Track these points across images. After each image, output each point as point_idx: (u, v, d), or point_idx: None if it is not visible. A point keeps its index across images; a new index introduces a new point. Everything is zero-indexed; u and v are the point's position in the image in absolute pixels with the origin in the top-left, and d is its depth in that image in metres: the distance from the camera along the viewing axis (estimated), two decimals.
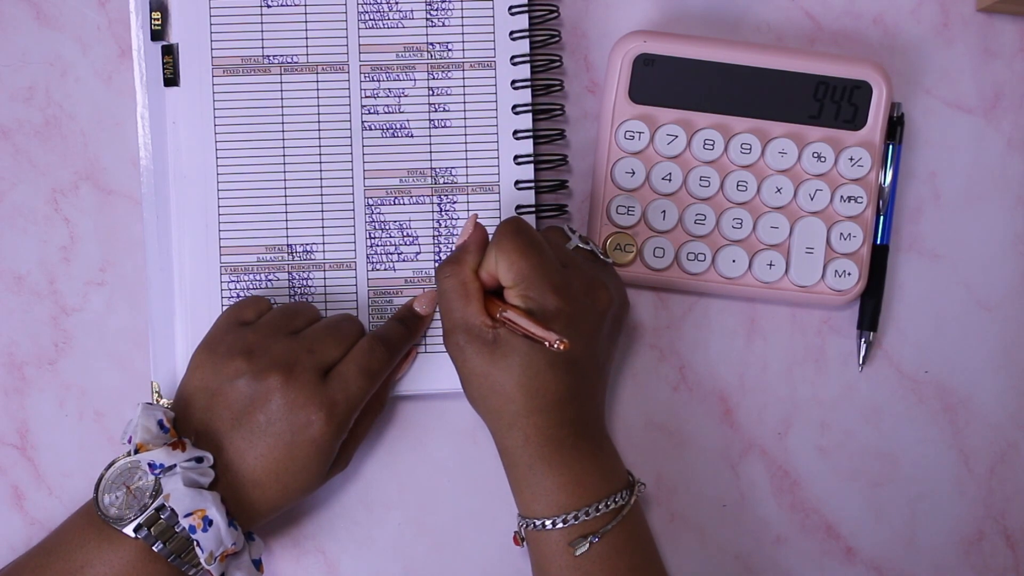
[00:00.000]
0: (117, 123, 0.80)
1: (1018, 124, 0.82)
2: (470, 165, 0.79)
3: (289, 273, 0.79)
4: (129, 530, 0.68)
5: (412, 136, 0.79)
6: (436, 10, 0.79)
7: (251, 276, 0.79)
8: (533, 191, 0.79)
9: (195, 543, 0.68)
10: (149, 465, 0.68)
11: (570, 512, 0.70)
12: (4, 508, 0.80)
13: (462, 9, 0.79)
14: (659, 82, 0.79)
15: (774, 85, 0.79)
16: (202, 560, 0.68)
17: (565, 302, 0.70)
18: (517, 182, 0.79)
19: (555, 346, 0.67)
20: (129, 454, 0.69)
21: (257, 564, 0.73)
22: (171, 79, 0.78)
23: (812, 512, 0.82)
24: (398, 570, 0.81)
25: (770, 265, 0.79)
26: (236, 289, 0.78)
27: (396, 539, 0.81)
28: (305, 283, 0.79)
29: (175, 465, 0.68)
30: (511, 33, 0.79)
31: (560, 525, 0.70)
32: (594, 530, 0.70)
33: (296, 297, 0.79)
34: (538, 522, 0.70)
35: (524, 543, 0.73)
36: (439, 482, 0.81)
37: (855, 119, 0.79)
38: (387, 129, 0.79)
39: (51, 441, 0.80)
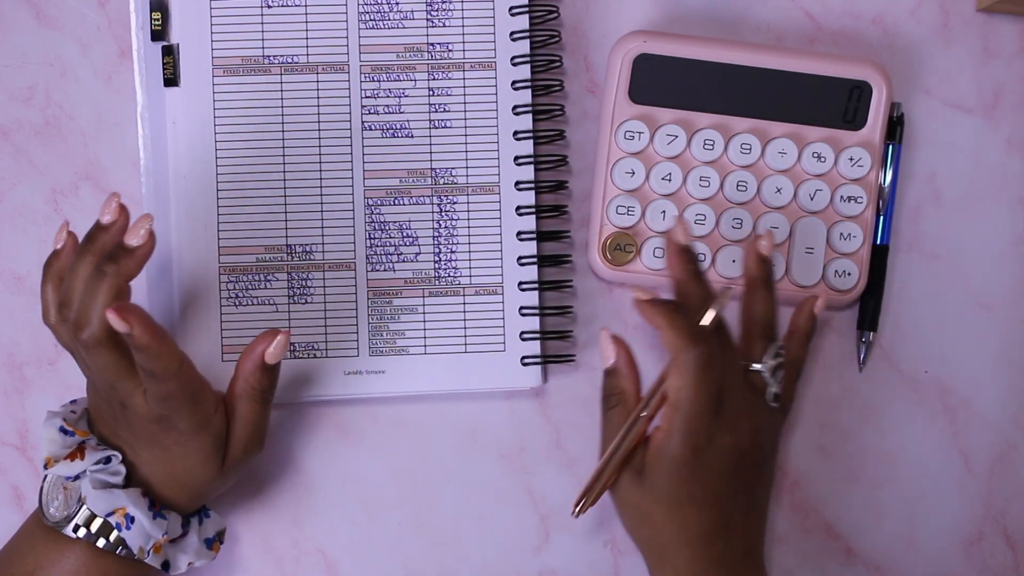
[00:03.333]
0: (117, 123, 0.80)
1: (1018, 124, 0.82)
2: (470, 165, 0.79)
3: (288, 273, 0.79)
4: (70, 531, 0.69)
5: (412, 136, 0.79)
6: (436, 11, 0.79)
7: (250, 276, 0.79)
8: (533, 191, 0.79)
9: (123, 541, 0.69)
10: (65, 476, 0.70)
11: None
12: (4, 508, 0.80)
13: (462, 10, 0.79)
14: (659, 82, 0.79)
15: (774, 85, 0.79)
16: (135, 555, 0.69)
17: (704, 439, 0.68)
18: (517, 182, 0.79)
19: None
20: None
21: (210, 543, 0.74)
22: (171, 79, 0.78)
23: (812, 512, 0.82)
24: (398, 570, 0.81)
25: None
26: (235, 289, 0.78)
27: (396, 539, 0.81)
28: (304, 283, 0.79)
29: (81, 472, 0.69)
30: (511, 34, 0.79)
31: None
32: None
33: (296, 297, 0.79)
34: None
35: None
36: (439, 482, 0.81)
37: (855, 119, 0.79)
38: (387, 129, 0.79)
39: None
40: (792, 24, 0.82)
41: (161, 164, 0.78)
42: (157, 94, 0.78)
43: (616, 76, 0.79)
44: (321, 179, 0.79)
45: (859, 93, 0.79)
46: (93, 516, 0.69)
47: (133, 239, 0.67)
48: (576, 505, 0.70)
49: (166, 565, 0.72)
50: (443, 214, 0.79)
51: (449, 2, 0.79)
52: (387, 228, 0.79)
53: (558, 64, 0.80)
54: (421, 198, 0.79)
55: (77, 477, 0.70)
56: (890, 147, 0.80)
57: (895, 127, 0.80)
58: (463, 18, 0.79)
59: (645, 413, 0.70)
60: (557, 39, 0.80)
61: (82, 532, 0.69)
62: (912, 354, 0.82)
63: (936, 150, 0.82)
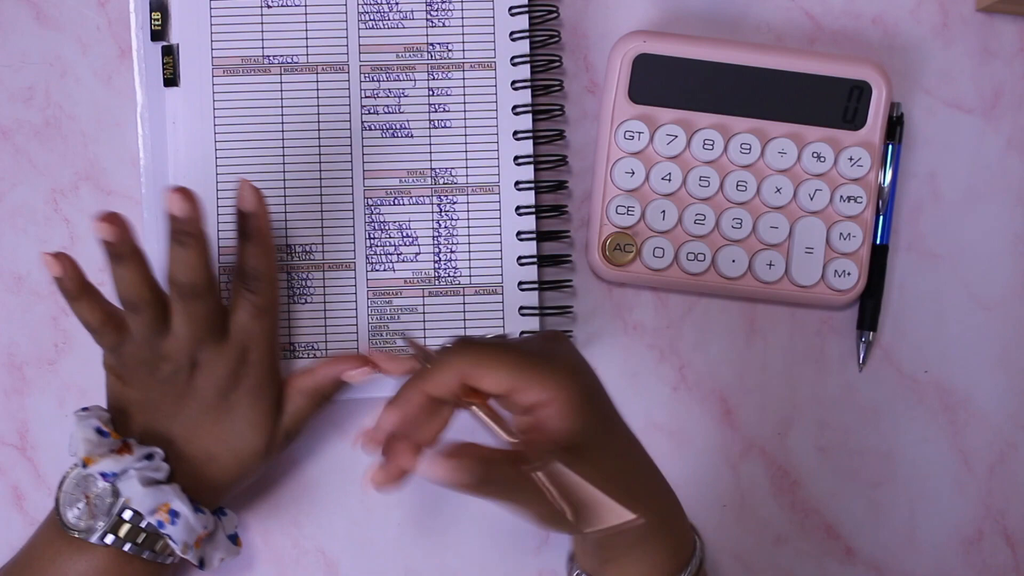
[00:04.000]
0: (117, 123, 0.80)
1: (1018, 124, 0.82)
2: (470, 165, 0.79)
3: (288, 273, 0.79)
4: (96, 539, 0.68)
5: (412, 136, 0.79)
6: (436, 11, 0.79)
7: None
8: (533, 191, 0.79)
9: (167, 538, 0.69)
10: (101, 475, 0.69)
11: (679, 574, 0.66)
12: (4, 508, 0.80)
13: (462, 10, 0.79)
14: (659, 82, 0.79)
15: (774, 85, 0.79)
16: (178, 552, 0.69)
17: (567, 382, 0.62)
18: (517, 182, 0.79)
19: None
20: (76, 467, 0.70)
21: (233, 539, 0.74)
22: (171, 79, 0.78)
23: (812, 512, 0.82)
24: (398, 570, 0.81)
25: (770, 265, 0.79)
26: None
27: (396, 539, 0.81)
28: (304, 283, 0.79)
29: (127, 469, 0.69)
30: (511, 34, 0.79)
31: None
32: None
33: (296, 297, 0.79)
34: None
35: None
36: None
37: (855, 119, 0.79)
38: (387, 129, 0.79)
39: (51, 441, 0.80)
40: (792, 24, 0.82)
41: (161, 164, 0.78)
42: (157, 94, 0.78)
43: (616, 76, 0.79)
44: (321, 179, 0.79)
45: (859, 93, 0.79)
46: (121, 522, 0.68)
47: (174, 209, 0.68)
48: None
49: (202, 562, 0.72)
50: (443, 214, 0.79)
51: (449, 2, 0.79)
52: (387, 228, 0.79)
53: (558, 64, 0.80)
54: (421, 198, 0.79)
55: (115, 476, 0.69)
56: (890, 147, 0.80)
57: (895, 127, 0.80)
58: (463, 18, 0.79)
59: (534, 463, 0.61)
60: (557, 39, 0.80)
61: (110, 538, 0.68)
62: (912, 354, 0.82)
63: (936, 150, 0.82)
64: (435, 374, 0.62)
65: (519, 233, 0.79)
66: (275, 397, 0.74)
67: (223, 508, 0.75)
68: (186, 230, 0.67)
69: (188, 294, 0.68)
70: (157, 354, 0.71)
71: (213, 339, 0.71)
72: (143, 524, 0.69)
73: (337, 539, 0.80)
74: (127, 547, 0.69)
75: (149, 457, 0.70)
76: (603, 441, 0.63)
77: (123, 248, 0.67)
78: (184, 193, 0.66)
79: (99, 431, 0.70)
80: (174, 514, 0.69)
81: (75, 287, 0.68)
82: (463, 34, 0.79)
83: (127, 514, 0.69)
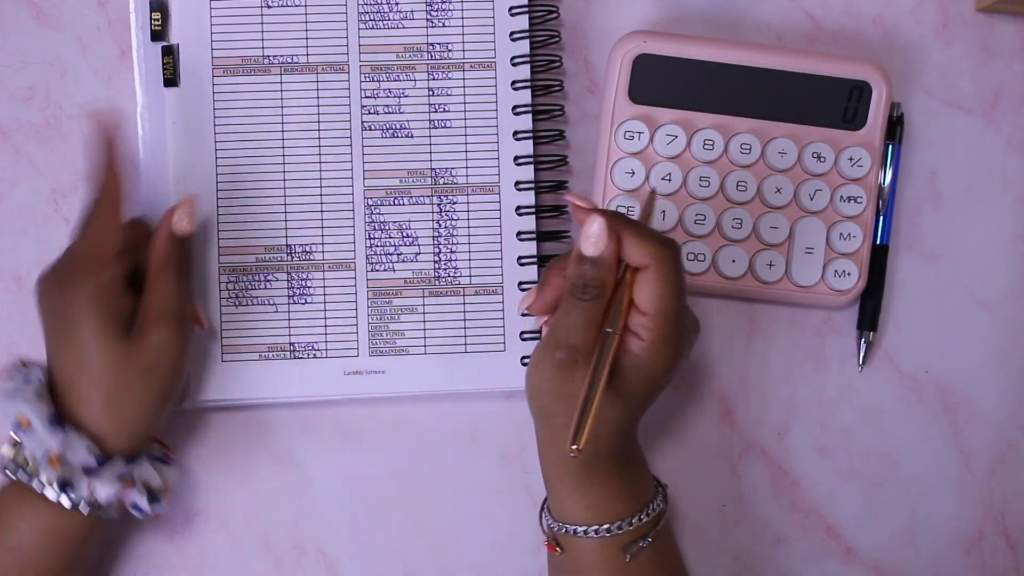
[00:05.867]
0: (117, 123, 0.80)
1: (1018, 124, 0.82)
2: (470, 166, 0.79)
3: (288, 273, 0.79)
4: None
5: (412, 136, 0.79)
6: (436, 11, 0.79)
7: (250, 276, 0.79)
8: (533, 191, 0.79)
9: (20, 448, 0.71)
10: None
11: (624, 519, 0.70)
12: None
13: (462, 10, 0.79)
14: (659, 82, 0.79)
15: (774, 85, 0.79)
16: (28, 463, 0.70)
17: (686, 345, 0.70)
18: (517, 182, 0.79)
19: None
20: None
21: (153, 494, 0.73)
22: (171, 79, 0.78)
23: (812, 512, 0.82)
24: (398, 570, 0.81)
25: (770, 265, 0.79)
26: (235, 289, 0.78)
27: (396, 539, 0.81)
28: (304, 283, 0.79)
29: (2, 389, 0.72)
30: (511, 34, 0.79)
31: (616, 532, 0.70)
32: (641, 535, 0.71)
33: (296, 297, 0.79)
34: (588, 529, 0.70)
35: (559, 550, 0.72)
36: (439, 482, 0.81)
37: (855, 119, 0.79)
38: (387, 129, 0.79)
39: None
40: (792, 24, 0.82)
41: (161, 164, 0.78)
42: (157, 94, 0.78)
43: (616, 76, 0.79)
44: (321, 179, 0.79)
45: (859, 93, 0.79)
46: (11, 448, 0.71)
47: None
48: (573, 443, 0.65)
49: (65, 485, 0.70)
50: (443, 214, 0.79)
51: (449, 2, 0.79)
52: (387, 228, 0.79)
53: (558, 64, 0.80)
54: (421, 198, 0.79)
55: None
56: (890, 147, 0.80)
57: (895, 127, 0.80)
58: (463, 18, 0.79)
59: (612, 330, 0.67)
60: (557, 39, 0.80)
61: (10, 468, 0.70)
62: (912, 354, 0.82)
63: (936, 150, 0.82)
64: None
65: (519, 233, 0.79)
66: (107, 299, 0.71)
67: (164, 458, 0.75)
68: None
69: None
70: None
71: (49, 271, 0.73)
72: (25, 452, 0.70)
73: (337, 539, 0.80)
74: (18, 475, 0.70)
75: (27, 378, 0.72)
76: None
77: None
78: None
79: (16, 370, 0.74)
80: (29, 425, 0.70)
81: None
82: (463, 34, 0.79)
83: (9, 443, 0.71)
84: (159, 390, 0.72)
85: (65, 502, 0.70)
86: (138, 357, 0.71)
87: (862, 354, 0.81)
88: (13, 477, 0.70)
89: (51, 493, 0.69)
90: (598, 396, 0.65)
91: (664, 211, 0.79)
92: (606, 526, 0.70)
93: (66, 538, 0.71)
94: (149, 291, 0.72)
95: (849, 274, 0.80)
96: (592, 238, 0.66)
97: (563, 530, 0.71)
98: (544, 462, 0.72)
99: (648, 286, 0.67)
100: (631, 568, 0.70)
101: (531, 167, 0.79)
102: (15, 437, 0.71)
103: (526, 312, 0.72)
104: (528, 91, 0.79)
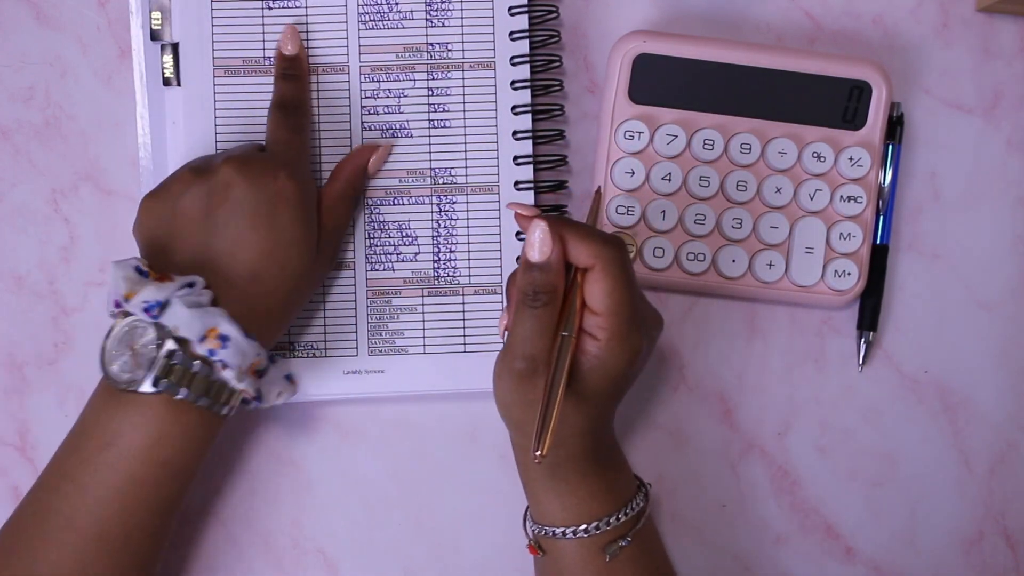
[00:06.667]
0: (117, 123, 0.80)
1: (1018, 124, 0.82)
2: (470, 165, 0.79)
3: None
4: (147, 387, 0.67)
5: (412, 136, 0.79)
6: (436, 11, 0.79)
7: None
8: (533, 191, 0.79)
9: (220, 364, 0.67)
10: (144, 309, 0.67)
11: (602, 519, 0.70)
12: (4, 508, 0.79)
13: (462, 10, 0.79)
14: (659, 82, 0.79)
15: (774, 85, 0.79)
16: (232, 380, 0.67)
17: (642, 341, 0.68)
18: (517, 182, 0.79)
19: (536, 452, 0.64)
20: (117, 320, 0.68)
21: (289, 378, 0.73)
22: (171, 79, 0.78)
23: (812, 512, 0.82)
24: (398, 570, 0.81)
25: (770, 265, 0.79)
26: None
27: (396, 539, 0.81)
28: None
29: (169, 300, 0.67)
30: (511, 33, 0.79)
31: (594, 532, 0.70)
32: (621, 535, 0.70)
33: None
34: (566, 530, 0.70)
35: (542, 552, 0.72)
36: (439, 482, 0.81)
37: (855, 119, 0.79)
38: (387, 129, 0.79)
39: (51, 441, 0.79)
40: (792, 24, 0.82)
41: (161, 164, 0.78)
42: (157, 94, 0.78)
43: (616, 76, 0.79)
44: (321, 179, 0.79)
45: (859, 93, 0.79)
46: (171, 367, 0.66)
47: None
48: (536, 449, 0.64)
49: (259, 395, 0.70)
50: (442, 214, 0.79)
51: (448, 2, 0.79)
52: (386, 228, 0.79)
53: (558, 64, 0.80)
54: (420, 198, 0.79)
55: (158, 306, 0.67)
56: (890, 147, 0.80)
57: (895, 127, 0.80)
58: (462, 18, 0.79)
59: (567, 333, 0.67)
60: (557, 39, 0.80)
61: (163, 384, 0.66)
62: (912, 354, 0.82)
63: (936, 150, 0.82)
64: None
65: (519, 233, 0.79)
66: (312, 210, 0.73)
67: (274, 355, 0.73)
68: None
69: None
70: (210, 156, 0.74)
71: (253, 146, 0.74)
72: (194, 367, 0.67)
73: (337, 539, 0.80)
74: (181, 393, 0.67)
75: (190, 285, 0.68)
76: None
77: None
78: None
79: (138, 270, 0.69)
80: (224, 339, 0.67)
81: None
82: (463, 34, 0.79)
83: (177, 356, 0.67)
84: (305, 301, 0.76)
85: (223, 410, 0.69)
86: (318, 269, 0.75)
87: (862, 354, 0.81)
88: (199, 402, 0.67)
89: (225, 403, 0.69)
90: (558, 401, 0.65)
91: (664, 211, 0.79)
92: (583, 527, 0.70)
93: (208, 438, 0.70)
94: (331, 212, 0.76)
95: (849, 274, 0.80)
96: (536, 244, 0.66)
97: (544, 532, 0.71)
98: (520, 467, 0.72)
99: (596, 285, 0.66)
100: (612, 568, 0.70)
101: (531, 167, 0.79)
102: (196, 353, 0.67)
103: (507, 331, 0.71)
104: (528, 91, 0.79)
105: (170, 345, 0.67)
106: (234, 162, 0.71)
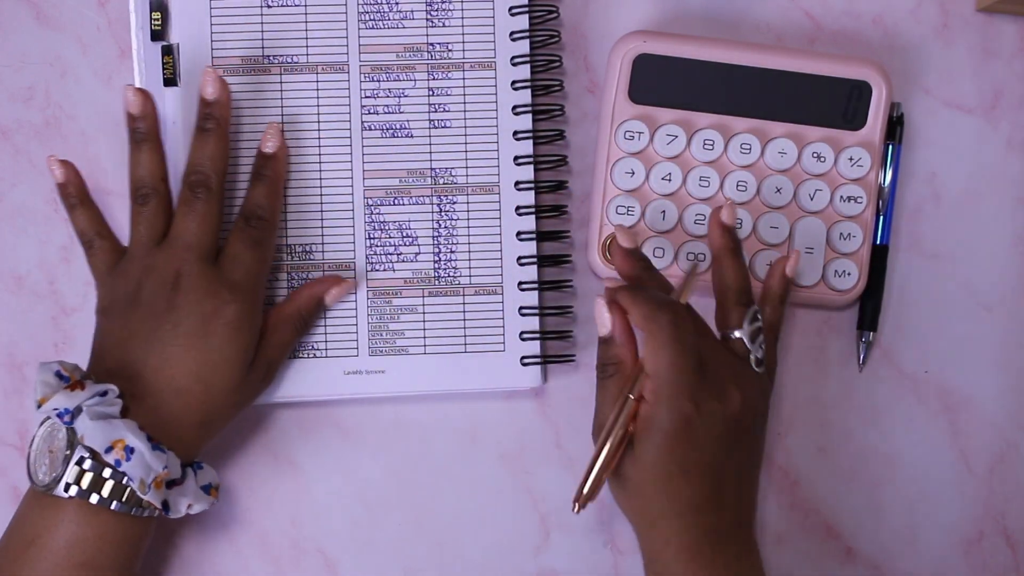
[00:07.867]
0: (117, 123, 0.80)
1: (1018, 124, 0.82)
2: (470, 165, 0.79)
3: (288, 273, 0.79)
4: (60, 492, 0.68)
5: (412, 136, 0.79)
6: (436, 10, 0.79)
7: None
8: (533, 191, 0.79)
9: (124, 476, 0.68)
10: (56, 414, 0.68)
11: None
12: (4, 508, 0.79)
13: (462, 10, 0.79)
14: (659, 82, 0.79)
15: (774, 85, 0.79)
16: (136, 490, 0.68)
17: (691, 405, 0.68)
18: (517, 182, 0.79)
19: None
20: (42, 423, 0.69)
21: (207, 489, 0.73)
22: (171, 79, 0.78)
23: (812, 512, 0.82)
24: (398, 570, 0.81)
25: (770, 265, 0.79)
26: None
27: (396, 539, 0.81)
28: (304, 283, 0.79)
29: (81, 407, 0.68)
30: (511, 34, 0.79)
31: None
32: None
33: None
34: None
35: None
36: (439, 482, 0.81)
37: (855, 119, 0.79)
38: (387, 129, 0.79)
39: None
40: (792, 24, 0.82)
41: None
42: (157, 94, 0.78)
43: (616, 76, 0.79)
44: (321, 179, 0.79)
45: (859, 93, 0.79)
46: (82, 472, 0.67)
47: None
48: (576, 500, 0.68)
49: (165, 506, 0.70)
50: (443, 214, 0.79)
51: (449, 2, 0.79)
52: (387, 228, 0.79)
53: (558, 64, 0.80)
54: (421, 198, 0.79)
55: (69, 414, 0.68)
56: (890, 147, 0.80)
57: (895, 127, 0.80)
58: (463, 18, 0.79)
59: (632, 396, 0.69)
60: (557, 39, 0.80)
61: (74, 490, 0.67)
62: (912, 354, 0.82)
63: (936, 150, 0.82)
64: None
65: (519, 233, 0.79)
66: (255, 334, 0.74)
67: (199, 462, 0.74)
68: (213, 114, 0.74)
69: (201, 185, 0.73)
70: (148, 264, 0.72)
71: (203, 255, 0.72)
72: (105, 473, 0.68)
73: (337, 539, 0.80)
74: (93, 498, 0.68)
75: (103, 394, 0.69)
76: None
77: (146, 131, 0.74)
78: (215, 79, 0.74)
79: (58, 375, 0.70)
80: (129, 450, 0.68)
81: (77, 193, 0.75)
82: (463, 34, 0.79)
83: (87, 463, 0.67)
84: (233, 416, 0.76)
85: (143, 513, 0.69)
86: (248, 387, 0.74)
87: (862, 354, 0.81)
88: (112, 506, 0.68)
89: (139, 511, 0.69)
90: (602, 456, 0.69)
91: (664, 211, 0.79)
92: None
93: (134, 538, 0.70)
94: (277, 342, 0.76)
95: (849, 274, 0.80)
96: (598, 318, 0.72)
97: None
98: (645, 559, 0.72)
99: (646, 348, 0.69)
100: None
101: (531, 167, 0.79)
102: (105, 460, 0.67)
103: None
104: (528, 91, 0.79)
105: (80, 452, 0.68)
106: (176, 282, 0.71)
